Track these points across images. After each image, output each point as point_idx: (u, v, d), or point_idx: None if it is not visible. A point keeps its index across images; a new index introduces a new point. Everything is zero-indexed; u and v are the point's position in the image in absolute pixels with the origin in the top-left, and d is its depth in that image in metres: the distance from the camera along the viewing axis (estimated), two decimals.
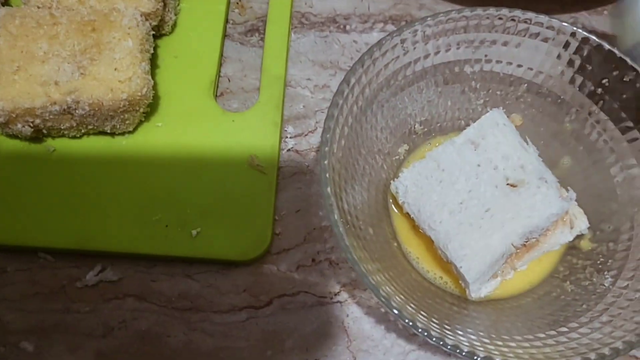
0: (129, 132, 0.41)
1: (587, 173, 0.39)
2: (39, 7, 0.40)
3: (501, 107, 0.39)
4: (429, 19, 0.37)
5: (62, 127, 0.40)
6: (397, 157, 0.40)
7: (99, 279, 0.39)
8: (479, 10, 0.37)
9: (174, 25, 0.45)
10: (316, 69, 0.46)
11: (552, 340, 0.34)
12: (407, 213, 0.37)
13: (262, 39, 0.46)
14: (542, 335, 0.34)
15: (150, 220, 0.39)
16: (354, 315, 0.39)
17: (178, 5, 0.46)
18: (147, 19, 0.41)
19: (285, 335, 0.38)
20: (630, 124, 0.36)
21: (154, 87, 0.41)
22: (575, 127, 0.39)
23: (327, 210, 0.32)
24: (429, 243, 0.36)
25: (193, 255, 0.39)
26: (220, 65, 0.45)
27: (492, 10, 0.38)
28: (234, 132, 0.42)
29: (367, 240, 0.35)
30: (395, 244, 0.38)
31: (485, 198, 0.36)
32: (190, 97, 0.43)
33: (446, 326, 0.33)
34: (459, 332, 0.33)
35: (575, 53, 0.37)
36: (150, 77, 0.40)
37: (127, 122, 0.40)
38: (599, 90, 0.37)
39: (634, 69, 0.35)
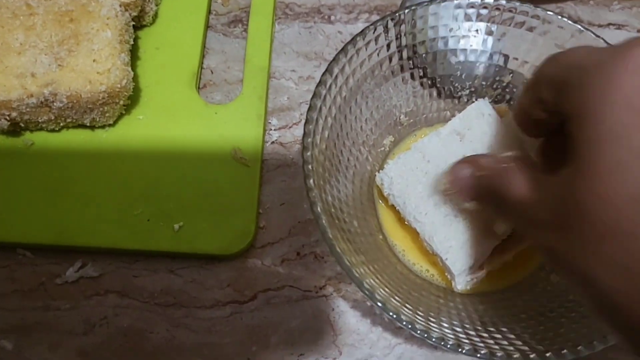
0: (110, 125, 0.41)
1: None
2: None
3: (486, 98, 0.39)
4: (413, 7, 0.37)
5: (40, 120, 0.39)
6: (382, 148, 0.40)
7: (79, 275, 0.38)
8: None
9: (155, 16, 0.44)
10: (300, 60, 0.45)
11: (539, 331, 0.33)
12: (393, 205, 0.36)
13: (246, 30, 0.45)
14: (528, 327, 0.34)
15: (132, 214, 0.38)
16: (339, 309, 0.38)
17: None
18: (126, 9, 0.41)
19: (271, 330, 0.37)
20: None
21: (135, 79, 0.40)
22: None
23: (311, 203, 0.31)
24: (414, 235, 0.36)
25: (176, 250, 0.38)
26: (202, 56, 0.44)
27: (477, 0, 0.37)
28: (217, 124, 0.41)
29: (351, 233, 0.34)
30: (381, 237, 0.38)
31: None
32: (172, 89, 0.42)
33: (432, 319, 0.33)
34: (445, 325, 0.33)
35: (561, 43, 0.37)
36: (129, 69, 0.39)
37: (107, 114, 0.39)
38: None
39: None
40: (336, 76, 0.35)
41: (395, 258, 0.38)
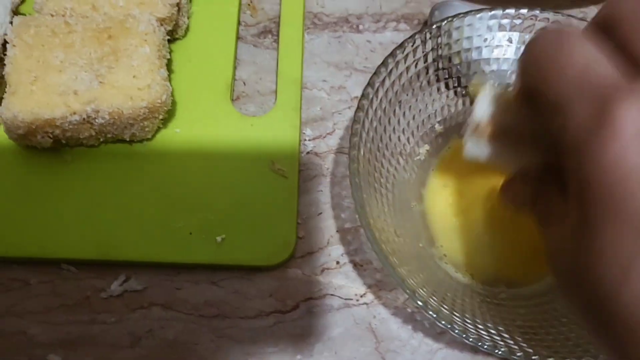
0: (147, 140, 0.41)
1: None
2: (52, 15, 0.40)
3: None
4: (449, 18, 0.38)
5: (81, 137, 0.39)
6: (418, 157, 0.40)
7: (123, 289, 0.39)
8: (498, 10, 0.38)
9: (187, 29, 0.45)
10: (331, 70, 0.46)
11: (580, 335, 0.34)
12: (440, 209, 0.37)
13: (276, 41, 0.46)
14: (571, 331, 0.34)
15: (174, 227, 0.39)
16: (380, 317, 0.39)
17: (190, 8, 0.45)
18: (162, 24, 0.41)
19: (314, 339, 0.38)
20: None
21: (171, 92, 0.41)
22: None
23: (359, 215, 0.32)
24: (460, 240, 0.37)
25: (219, 262, 0.38)
26: (235, 68, 0.45)
27: (511, 10, 0.38)
28: (254, 136, 0.41)
29: (395, 243, 0.35)
30: (420, 245, 0.39)
31: None
32: (208, 102, 0.42)
33: (468, 320, 0.33)
34: (480, 327, 0.33)
35: None
36: (169, 84, 0.39)
37: (146, 129, 0.40)
38: None
39: None
40: (377, 89, 0.36)
41: (434, 264, 0.39)
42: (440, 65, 0.40)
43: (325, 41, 0.46)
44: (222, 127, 0.42)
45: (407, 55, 0.37)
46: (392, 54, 0.36)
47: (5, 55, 0.39)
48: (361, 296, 0.39)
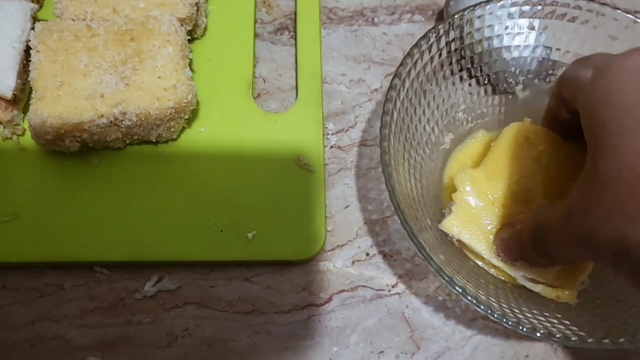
0: (173, 140, 0.41)
1: None
2: (73, 20, 0.40)
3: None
4: (471, 7, 0.38)
5: (108, 140, 0.39)
6: (443, 146, 0.41)
7: (157, 289, 0.39)
8: None
9: (205, 29, 0.45)
10: (349, 63, 0.46)
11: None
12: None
13: (293, 37, 0.46)
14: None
15: (204, 226, 0.39)
16: (413, 306, 0.39)
17: (207, 8, 0.45)
18: (182, 24, 0.41)
19: (349, 331, 0.38)
20: None
21: None
22: None
23: (395, 207, 0.33)
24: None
25: (251, 259, 0.39)
26: (254, 66, 0.45)
27: None
28: (278, 132, 0.42)
29: (428, 232, 0.36)
30: (449, 236, 0.39)
31: None
32: (230, 100, 0.43)
33: (504, 305, 0.34)
34: (516, 311, 0.34)
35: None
36: (193, 83, 0.40)
37: (172, 129, 0.40)
38: None
39: None
40: (404, 79, 0.36)
41: (463, 254, 0.39)
42: (463, 55, 0.40)
43: (341, 35, 0.47)
44: (246, 125, 0.42)
45: (431, 45, 0.37)
46: (417, 45, 0.37)
47: (29, 61, 0.39)
48: (393, 286, 0.40)
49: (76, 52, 0.38)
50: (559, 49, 0.40)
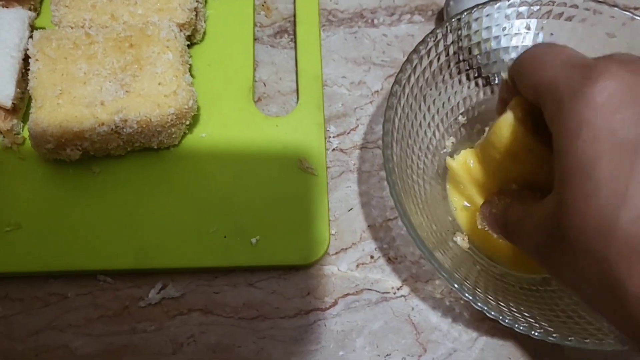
0: (174, 146, 0.41)
1: None
2: (72, 28, 0.39)
3: None
4: (468, 10, 0.38)
5: (109, 147, 0.39)
6: (445, 150, 0.41)
7: (161, 297, 0.39)
8: None
9: (204, 33, 0.45)
10: (350, 66, 0.46)
11: None
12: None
13: (292, 40, 0.46)
14: None
15: (208, 232, 0.39)
16: (418, 308, 0.39)
17: (206, 12, 0.45)
18: (181, 30, 0.41)
19: (355, 334, 0.38)
20: None
21: None
22: None
23: (400, 214, 0.33)
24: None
25: (255, 264, 0.39)
26: (254, 69, 0.45)
27: None
28: (280, 136, 0.42)
29: (434, 238, 0.35)
30: (454, 238, 0.39)
31: None
32: (231, 105, 0.43)
33: (501, 303, 0.34)
34: (514, 310, 0.34)
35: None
36: (194, 89, 0.39)
37: (173, 136, 0.40)
38: None
39: None
40: (404, 86, 0.36)
41: (467, 255, 0.39)
42: (461, 57, 0.40)
43: (341, 37, 0.47)
44: (248, 130, 0.42)
45: (429, 50, 0.37)
46: (416, 50, 0.36)
47: (28, 70, 0.38)
48: (398, 289, 0.40)
49: (75, 60, 0.38)
50: None
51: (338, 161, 0.43)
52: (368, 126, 0.44)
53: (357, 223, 0.41)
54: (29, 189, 0.39)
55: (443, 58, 0.39)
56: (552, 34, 0.40)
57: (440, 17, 0.48)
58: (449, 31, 0.38)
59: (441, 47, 0.38)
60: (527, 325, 0.31)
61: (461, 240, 0.38)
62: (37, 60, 0.38)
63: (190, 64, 0.41)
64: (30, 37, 0.39)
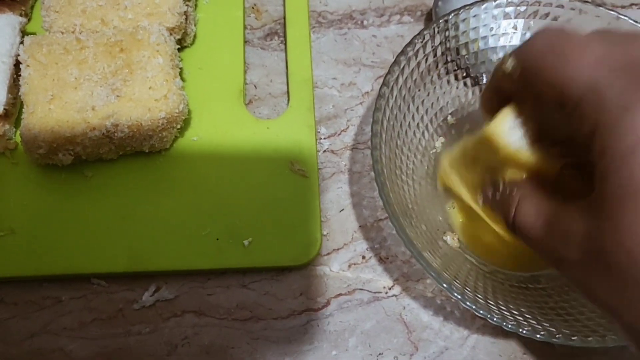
0: (165, 150, 0.41)
1: None
2: (62, 33, 0.40)
3: None
4: (455, 11, 0.38)
5: (101, 152, 0.39)
6: (434, 150, 0.41)
7: (155, 299, 0.39)
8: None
9: (194, 37, 0.45)
10: (340, 67, 0.46)
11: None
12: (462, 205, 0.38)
13: (283, 42, 0.46)
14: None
15: (200, 234, 0.39)
16: (410, 307, 0.40)
17: (196, 16, 0.45)
18: (171, 34, 0.41)
19: (347, 334, 0.39)
20: None
21: None
22: None
23: (390, 215, 0.33)
24: (482, 232, 0.37)
25: (248, 265, 0.39)
26: (245, 72, 0.45)
27: None
28: (271, 139, 0.42)
29: (424, 237, 0.36)
30: (445, 237, 0.39)
31: None
32: (222, 108, 0.43)
33: (490, 302, 0.34)
34: (503, 309, 0.34)
35: None
36: (184, 93, 0.40)
37: (164, 139, 0.40)
38: None
39: None
40: (392, 87, 0.37)
41: (457, 254, 0.39)
42: (449, 58, 0.40)
43: (331, 39, 0.47)
44: (239, 132, 0.42)
45: (417, 51, 0.38)
46: (404, 52, 0.37)
47: (19, 75, 0.39)
48: (389, 288, 0.40)
49: (66, 65, 0.38)
50: None
51: (329, 162, 0.43)
52: (359, 127, 0.44)
53: (348, 223, 0.42)
54: (22, 194, 0.40)
55: (431, 59, 0.39)
56: None
57: (430, 18, 0.48)
58: (436, 32, 0.38)
59: (429, 48, 0.39)
60: (515, 323, 0.32)
61: (451, 240, 0.38)
62: (28, 65, 0.38)
63: (180, 68, 0.41)
64: (21, 42, 0.39)
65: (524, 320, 0.34)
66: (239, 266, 0.39)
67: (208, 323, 0.39)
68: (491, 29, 0.40)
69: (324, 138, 0.44)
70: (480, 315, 0.32)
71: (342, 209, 0.42)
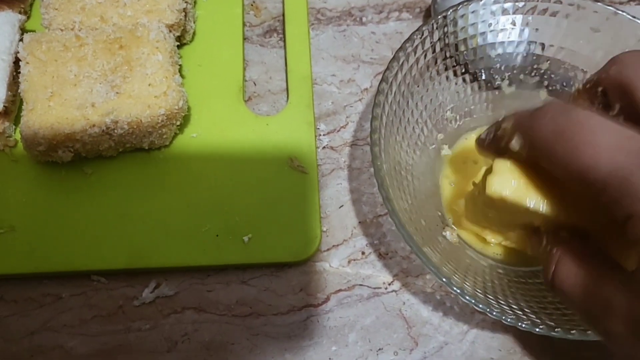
0: (165, 146, 0.41)
1: None
2: (62, 30, 0.40)
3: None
4: (454, 7, 0.38)
5: (101, 149, 0.39)
6: (433, 146, 0.41)
7: (155, 295, 0.39)
8: None
9: (194, 34, 0.45)
10: (339, 64, 0.46)
11: None
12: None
13: (282, 39, 0.46)
14: None
15: (200, 231, 0.39)
16: (410, 303, 0.40)
17: (195, 13, 0.45)
18: (170, 30, 0.41)
19: (347, 330, 0.39)
20: None
21: None
22: None
23: (389, 211, 0.33)
24: (481, 226, 0.38)
25: (247, 262, 0.39)
26: (244, 69, 0.45)
27: None
28: (270, 135, 0.42)
29: (423, 232, 0.36)
30: (444, 233, 0.39)
31: None
32: (221, 105, 0.43)
33: (490, 296, 0.34)
34: (502, 302, 0.34)
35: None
36: (184, 89, 0.40)
37: (164, 136, 0.40)
38: None
39: None
40: (391, 83, 0.37)
41: (456, 248, 0.39)
42: (448, 54, 0.40)
43: (330, 36, 0.47)
44: (238, 129, 0.42)
45: (416, 47, 0.38)
46: (402, 48, 0.37)
47: (18, 73, 0.39)
48: (389, 284, 0.40)
49: (65, 63, 0.38)
50: (542, 44, 0.41)
51: (328, 159, 0.43)
52: (358, 123, 0.44)
53: (348, 219, 0.42)
54: (21, 191, 0.40)
55: (430, 55, 0.39)
56: (537, 29, 0.40)
57: (428, 15, 0.48)
58: (435, 28, 0.39)
59: (427, 44, 0.39)
60: (514, 317, 0.32)
61: (450, 235, 0.38)
62: (27, 63, 0.38)
63: (180, 65, 0.41)
64: (21, 40, 0.40)
65: (523, 314, 0.34)
66: (239, 262, 0.39)
67: (208, 319, 0.39)
68: (489, 25, 0.40)
69: (324, 134, 0.44)
70: (479, 309, 0.32)
71: (342, 205, 0.42)
